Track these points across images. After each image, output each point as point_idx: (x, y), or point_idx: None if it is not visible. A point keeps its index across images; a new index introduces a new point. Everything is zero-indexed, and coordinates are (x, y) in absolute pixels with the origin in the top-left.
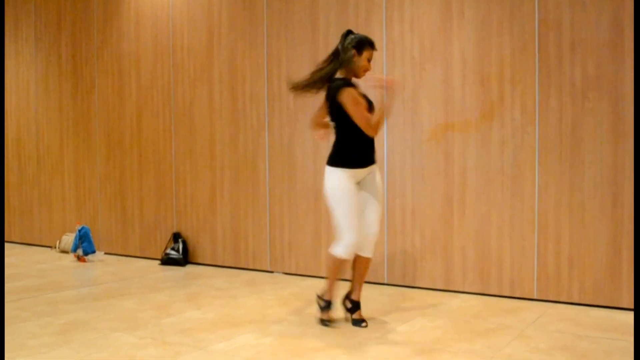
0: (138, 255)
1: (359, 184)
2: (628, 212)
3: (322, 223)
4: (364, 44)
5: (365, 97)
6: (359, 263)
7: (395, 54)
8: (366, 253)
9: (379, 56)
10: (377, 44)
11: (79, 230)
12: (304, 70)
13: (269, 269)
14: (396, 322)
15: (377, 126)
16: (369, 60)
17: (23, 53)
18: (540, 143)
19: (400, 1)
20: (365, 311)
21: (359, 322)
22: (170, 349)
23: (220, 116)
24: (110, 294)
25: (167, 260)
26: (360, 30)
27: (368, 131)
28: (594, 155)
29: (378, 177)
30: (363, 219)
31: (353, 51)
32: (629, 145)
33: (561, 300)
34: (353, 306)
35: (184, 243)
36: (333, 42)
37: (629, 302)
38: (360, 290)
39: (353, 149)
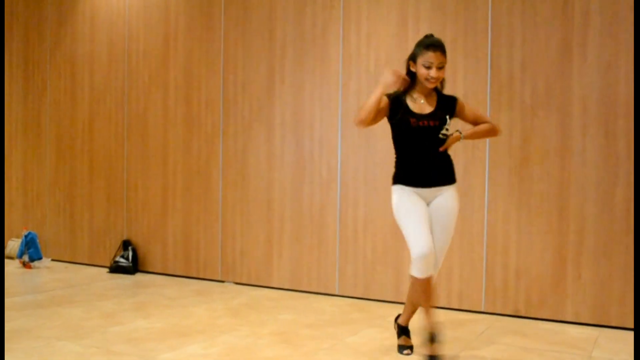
0: (86, 262)
1: (429, 204)
2: (573, 226)
3: (274, 232)
4: (417, 49)
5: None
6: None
7: (351, 67)
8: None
9: (335, 68)
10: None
11: (26, 236)
12: (260, 78)
13: (220, 279)
14: (345, 333)
15: (359, 112)
16: (427, 67)
17: None
18: (490, 157)
19: (357, 15)
20: (315, 322)
21: (401, 348)
22: (115, 359)
23: (174, 122)
24: (56, 302)
25: (116, 268)
26: (316, 42)
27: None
28: (541, 171)
29: (449, 199)
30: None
31: (409, 62)
32: (575, 161)
33: (508, 312)
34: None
35: (134, 251)
36: (290, 53)
37: (573, 315)
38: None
39: (407, 167)
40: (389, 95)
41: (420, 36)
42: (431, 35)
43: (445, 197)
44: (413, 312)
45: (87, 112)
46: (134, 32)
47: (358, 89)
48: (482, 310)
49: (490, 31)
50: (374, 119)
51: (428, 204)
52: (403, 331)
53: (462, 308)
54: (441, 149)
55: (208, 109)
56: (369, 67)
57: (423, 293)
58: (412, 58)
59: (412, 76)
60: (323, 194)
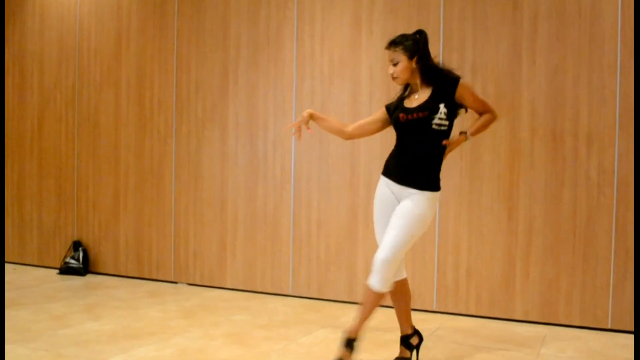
0: (35, 263)
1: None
2: (522, 227)
3: (228, 233)
4: None
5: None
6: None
7: (305, 68)
8: (369, 279)
9: (289, 69)
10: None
11: None
12: (214, 78)
13: (172, 280)
14: (299, 333)
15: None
16: (390, 64)
17: None
18: None
19: (311, 16)
20: (269, 323)
21: None
22: None
23: (126, 121)
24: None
25: (66, 270)
26: (270, 43)
27: None
28: (491, 173)
29: (413, 200)
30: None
31: None
32: (524, 162)
33: (459, 312)
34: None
35: (85, 252)
36: (244, 53)
37: (522, 314)
38: (357, 324)
39: (391, 157)
40: (387, 105)
41: (373, 37)
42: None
43: (410, 199)
44: (404, 317)
45: (36, 111)
46: (85, 30)
47: (312, 90)
48: (434, 309)
49: (441, 35)
50: (362, 129)
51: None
52: (401, 341)
53: (415, 307)
54: (446, 154)
55: (161, 108)
56: (322, 68)
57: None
58: None
59: None
60: (277, 195)
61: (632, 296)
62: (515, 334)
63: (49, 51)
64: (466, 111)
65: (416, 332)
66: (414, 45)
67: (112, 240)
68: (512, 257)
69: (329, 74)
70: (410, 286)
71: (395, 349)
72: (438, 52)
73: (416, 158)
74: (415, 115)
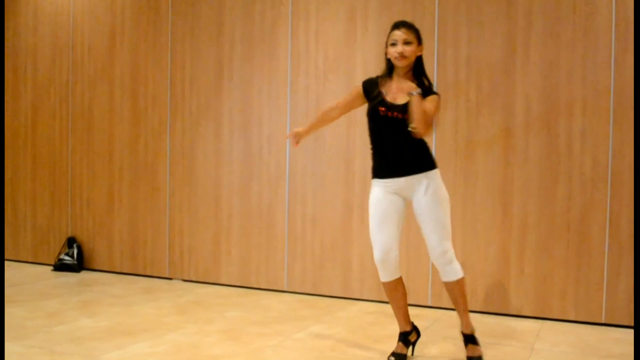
0: (30, 260)
1: (411, 199)
2: (516, 222)
3: (222, 229)
4: (388, 34)
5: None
6: (446, 289)
7: (300, 63)
8: (444, 277)
9: (283, 65)
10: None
11: None
12: (208, 74)
13: (167, 276)
14: (294, 329)
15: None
16: (393, 44)
17: None
18: (436, 154)
19: (306, 12)
20: (263, 319)
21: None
22: (59, 359)
23: (120, 118)
24: None
25: (60, 266)
26: (265, 39)
27: None
28: (486, 168)
29: (428, 188)
30: (426, 239)
31: (385, 52)
32: (518, 158)
33: (453, 307)
34: (464, 339)
35: (79, 248)
36: (238, 49)
37: (516, 309)
38: (462, 319)
39: (377, 159)
40: (364, 81)
41: (368, 33)
42: None
43: (424, 188)
44: (402, 314)
45: (29, 106)
46: (78, 25)
47: (306, 86)
48: (429, 304)
49: (436, 30)
50: (346, 109)
51: (409, 198)
52: (400, 338)
53: (410, 303)
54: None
55: (155, 104)
56: (317, 64)
57: (389, 295)
58: (386, 44)
59: (391, 64)
60: (271, 191)
61: (626, 291)
62: (510, 328)
63: (42, 47)
64: None
65: (414, 329)
66: (420, 35)
67: (107, 237)
68: (507, 252)
69: (324, 69)
70: (405, 282)
71: (391, 344)
72: (433, 48)
73: (402, 150)
74: (394, 114)
